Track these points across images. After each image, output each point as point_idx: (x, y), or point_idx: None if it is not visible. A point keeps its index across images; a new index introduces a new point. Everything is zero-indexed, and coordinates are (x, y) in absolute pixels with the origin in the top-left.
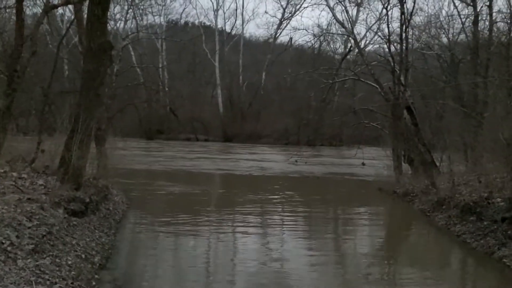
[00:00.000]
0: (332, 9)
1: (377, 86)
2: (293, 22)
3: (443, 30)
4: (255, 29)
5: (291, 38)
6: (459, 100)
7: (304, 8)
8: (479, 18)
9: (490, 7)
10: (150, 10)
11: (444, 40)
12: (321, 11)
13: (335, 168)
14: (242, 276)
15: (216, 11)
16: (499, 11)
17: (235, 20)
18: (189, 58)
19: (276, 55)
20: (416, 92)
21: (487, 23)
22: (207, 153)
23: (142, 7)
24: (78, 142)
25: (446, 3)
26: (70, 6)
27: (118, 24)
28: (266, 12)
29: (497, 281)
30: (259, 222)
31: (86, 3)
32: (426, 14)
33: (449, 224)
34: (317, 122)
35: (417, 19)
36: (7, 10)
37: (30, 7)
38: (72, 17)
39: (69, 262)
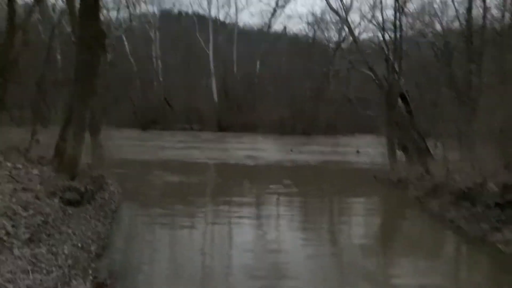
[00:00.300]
0: None
1: (372, 74)
2: (287, 10)
3: (437, 18)
4: (249, 18)
5: (285, 27)
6: (453, 87)
7: None
8: (473, 5)
9: None
10: None
11: (438, 27)
12: None
13: (330, 157)
14: (238, 263)
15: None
16: None
17: (229, 8)
18: (183, 48)
19: (271, 44)
20: (411, 80)
21: (481, 10)
22: (201, 143)
23: None
24: (72, 132)
25: None
26: None
27: (110, 13)
28: (260, 0)
29: (490, 265)
30: (255, 211)
31: None
32: (420, 1)
33: (443, 210)
34: (312, 111)
35: (411, 6)
36: None
37: None
38: (64, 6)
39: (66, 251)
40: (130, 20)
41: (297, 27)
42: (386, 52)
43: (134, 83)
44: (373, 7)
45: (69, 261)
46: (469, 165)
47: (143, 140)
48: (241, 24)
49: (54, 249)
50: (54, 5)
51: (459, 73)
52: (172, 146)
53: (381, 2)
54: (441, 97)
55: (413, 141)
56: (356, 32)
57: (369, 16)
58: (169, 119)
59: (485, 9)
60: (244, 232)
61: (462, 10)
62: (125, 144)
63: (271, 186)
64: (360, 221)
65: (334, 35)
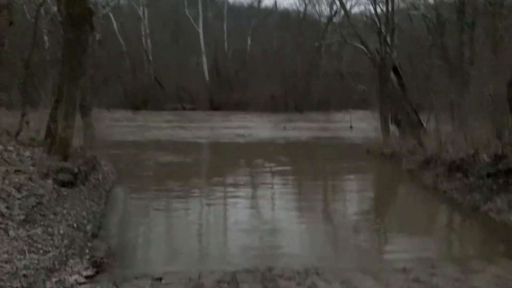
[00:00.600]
0: None
1: (364, 48)
2: None
3: None
4: None
5: (275, 2)
6: (445, 59)
7: None
8: None
9: None
10: None
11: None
12: None
13: (323, 133)
14: (234, 240)
15: None
16: None
17: None
18: (172, 26)
19: (261, 19)
20: (403, 53)
21: None
22: (193, 123)
23: None
24: (63, 112)
25: None
26: None
27: None
28: None
29: (482, 233)
30: (250, 189)
31: None
32: None
33: (436, 182)
34: (304, 87)
35: None
36: None
37: None
38: None
39: (61, 231)
40: None
41: (287, 1)
42: (378, 25)
43: (123, 63)
44: None
45: (65, 241)
46: (461, 136)
47: (135, 121)
48: (230, 0)
49: (49, 230)
50: None
51: (451, 45)
52: (163, 126)
53: None
54: (434, 69)
55: (405, 114)
56: (348, 6)
57: None
58: (160, 99)
59: None
60: (239, 207)
61: None
62: (116, 125)
63: (265, 164)
64: (354, 196)
65: (325, 9)
